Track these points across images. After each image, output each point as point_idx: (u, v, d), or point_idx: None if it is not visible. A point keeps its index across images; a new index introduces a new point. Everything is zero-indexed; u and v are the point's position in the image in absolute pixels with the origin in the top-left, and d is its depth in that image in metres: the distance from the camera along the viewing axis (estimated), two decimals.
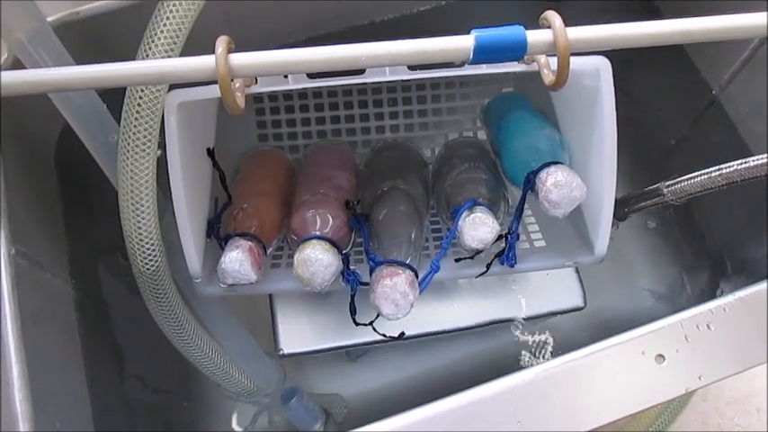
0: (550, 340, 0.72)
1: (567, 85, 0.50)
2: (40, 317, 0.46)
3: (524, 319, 0.63)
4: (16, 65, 0.49)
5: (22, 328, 0.43)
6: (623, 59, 0.47)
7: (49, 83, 0.36)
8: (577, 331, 0.72)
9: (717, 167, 0.50)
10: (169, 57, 0.45)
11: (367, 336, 0.56)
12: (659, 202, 0.56)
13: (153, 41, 0.44)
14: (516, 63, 0.43)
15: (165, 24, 0.44)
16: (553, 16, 0.37)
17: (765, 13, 0.37)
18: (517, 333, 0.72)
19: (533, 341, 0.72)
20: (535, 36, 0.37)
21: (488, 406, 0.40)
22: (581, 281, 0.64)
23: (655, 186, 0.55)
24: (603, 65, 0.46)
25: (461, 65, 0.40)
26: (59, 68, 0.36)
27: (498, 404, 0.40)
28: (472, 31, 0.36)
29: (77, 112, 0.48)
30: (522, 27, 0.37)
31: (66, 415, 0.47)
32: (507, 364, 0.71)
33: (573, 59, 0.43)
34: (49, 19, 0.52)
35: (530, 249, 0.57)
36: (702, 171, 0.51)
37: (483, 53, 0.37)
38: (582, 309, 0.63)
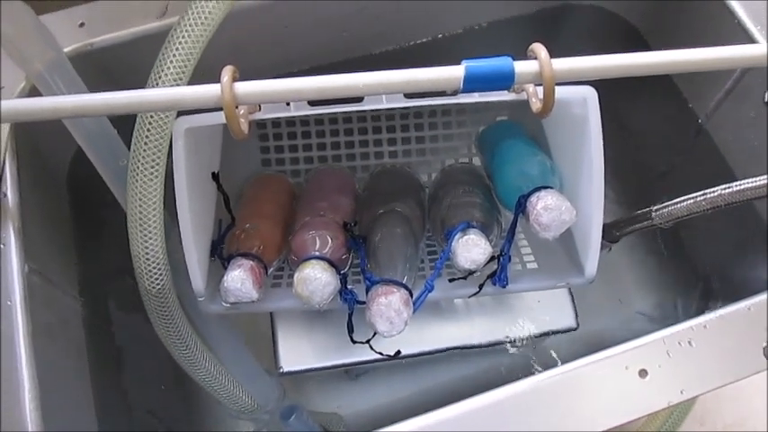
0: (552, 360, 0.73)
1: (557, 113, 0.52)
2: (50, 331, 0.48)
3: (518, 339, 0.64)
4: (33, 92, 0.52)
5: (34, 340, 0.44)
6: (616, 89, 0.50)
7: (65, 109, 0.38)
8: (574, 354, 0.73)
9: (702, 192, 0.52)
10: (178, 85, 0.47)
11: (366, 354, 0.57)
12: (649, 226, 0.57)
13: (162, 70, 0.47)
14: (506, 92, 0.45)
15: (174, 55, 0.47)
16: (539, 48, 0.40)
17: (748, 46, 0.40)
18: (515, 352, 0.73)
19: (533, 361, 0.73)
20: (522, 66, 0.39)
21: (476, 419, 0.42)
22: (574, 302, 0.66)
23: (644, 210, 0.57)
24: (590, 94, 0.48)
25: (454, 93, 0.42)
26: (74, 96, 0.38)
27: (486, 417, 0.42)
28: (463, 62, 0.39)
29: (90, 137, 0.50)
30: (510, 58, 0.39)
31: (73, 424, 0.49)
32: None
33: (561, 89, 0.45)
34: (66, 50, 0.55)
35: (522, 271, 0.58)
36: (689, 196, 0.53)
37: (473, 82, 0.39)
38: (575, 330, 0.65)
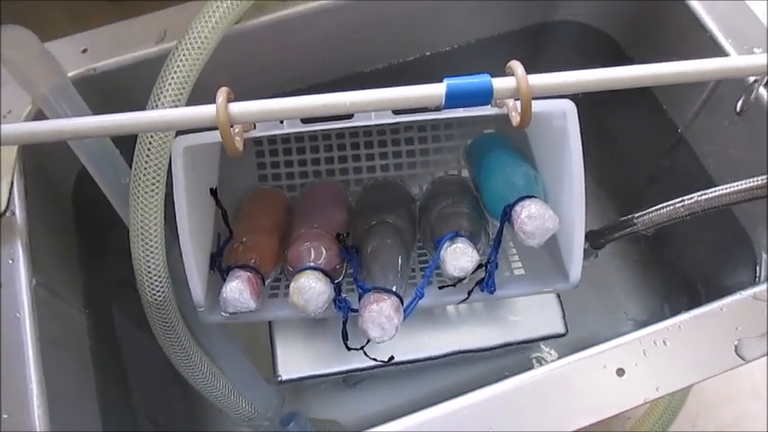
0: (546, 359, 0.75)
1: (539, 126, 0.55)
2: (57, 341, 0.50)
3: (509, 344, 0.66)
4: (39, 116, 0.54)
5: (41, 350, 0.46)
6: (599, 101, 0.52)
7: (69, 131, 0.40)
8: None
9: (680, 199, 0.54)
10: (176, 106, 0.49)
11: (362, 361, 0.59)
12: (632, 232, 0.59)
13: (162, 93, 0.49)
14: (489, 106, 0.48)
15: (172, 77, 0.49)
16: (516, 65, 0.42)
17: (718, 59, 0.42)
18: (508, 357, 0.74)
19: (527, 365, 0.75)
20: (500, 83, 0.41)
21: (455, 419, 0.44)
22: (563, 309, 0.68)
23: (627, 217, 0.59)
24: (569, 107, 0.50)
25: (437, 109, 0.45)
26: (78, 119, 0.40)
27: (465, 417, 0.43)
28: (444, 79, 0.41)
29: (93, 156, 0.52)
30: (488, 75, 0.41)
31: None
32: None
33: (540, 103, 0.48)
34: (70, 74, 0.57)
35: (510, 277, 0.60)
36: (668, 202, 0.55)
37: (454, 99, 0.41)
38: (564, 335, 0.67)
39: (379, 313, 0.49)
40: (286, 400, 0.66)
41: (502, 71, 0.42)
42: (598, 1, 0.71)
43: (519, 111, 0.43)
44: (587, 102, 0.50)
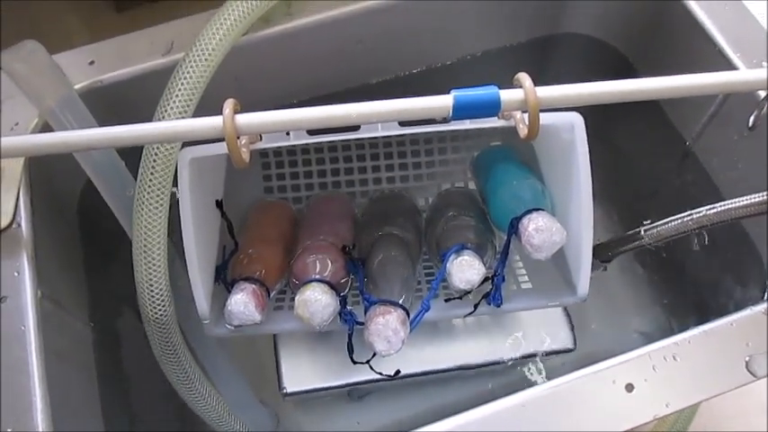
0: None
1: (546, 138, 0.55)
2: (62, 355, 0.50)
3: (517, 359, 0.65)
4: (46, 128, 0.54)
5: (46, 362, 0.46)
6: (606, 114, 0.52)
7: (75, 143, 0.40)
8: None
9: (688, 213, 0.54)
10: (183, 117, 0.49)
11: (367, 374, 0.58)
12: (639, 246, 0.58)
13: (168, 104, 0.49)
14: (496, 119, 0.47)
15: (179, 89, 0.49)
16: (524, 77, 0.42)
17: (726, 73, 0.42)
18: (516, 372, 0.74)
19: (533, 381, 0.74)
20: (508, 95, 0.41)
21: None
22: (571, 324, 0.67)
23: (635, 231, 0.58)
24: (577, 120, 0.50)
25: (444, 121, 0.44)
26: (84, 131, 0.40)
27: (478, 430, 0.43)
28: (452, 91, 0.41)
29: (98, 168, 0.52)
30: (496, 87, 0.41)
31: None
32: None
33: (548, 115, 0.47)
34: (77, 86, 0.57)
35: (517, 291, 0.60)
36: (676, 216, 0.54)
37: (461, 110, 0.41)
38: (572, 350, 0.66)
39: (386, 326, 0.48)
40: (290, 412, 0.66)
41: (508, 84, 0.42)
42: (604, 13, 0.71)
43: (527, 123, 0.43)
44: (593, 114, 0.50)
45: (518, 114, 0.46)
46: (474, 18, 0.68)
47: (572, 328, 0.67)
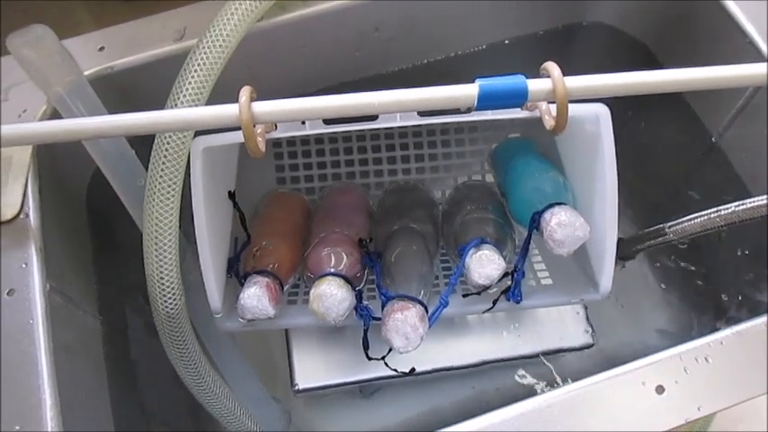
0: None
1: (569, 131, 0.53)
2: (70, 347, 0.49)
3: (535, 355, 0.64)
4: (55, 115, 0.53)
5: (55, 356, 0.45)
6: (629, 106, 0.50)
7: (84, 131, 0.39)
8: (591, 371, 0.73)
9: (716, 209, 0.52)
10: (196, 105, 0.48)
11: (381, 371, 0.58)
12: (663, 242, 0.57)
13: (181, 92, 0.48)
14: (519, 109, 0.46)
15: (192, 76, 0.48)
16: (552, 67, 0.40)
17: (758, 65, 0.40)
18: (532, 369, 0.72)
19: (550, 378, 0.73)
20: (535, 85, 0.40)
21: None
22: (589, 320, 0.66)
23: (658, 227, 0.57)
24: (603, 111, 0.48)
25: (467, 111, 0.43)
26: (93, 118, 0.39)
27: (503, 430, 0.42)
28: (476, 80, 0.39)
29: (108, 157, 0.51)
30: (523, 76, 0.40)
31: None
32: None
33: (573, 106, 0.46)
34: (86, 73, 0.56)
35: (536, 287, 0.58)
36: (702, 212, 0.53)
37: (487, 100, 0.40)
38: (591, 347, 0.65)
39: (404, 322, 0.47)
40: (300, 409, 0.65)
41: (529, 73, 0.40)
42: (628, 2, 0.69)
43: (553, 114, 0.42)
44: (616, 106, 0.48)
45: (543, 105, 0.44)
46: (494, 7, 0.66)
47: (591, 325, 0.66)
